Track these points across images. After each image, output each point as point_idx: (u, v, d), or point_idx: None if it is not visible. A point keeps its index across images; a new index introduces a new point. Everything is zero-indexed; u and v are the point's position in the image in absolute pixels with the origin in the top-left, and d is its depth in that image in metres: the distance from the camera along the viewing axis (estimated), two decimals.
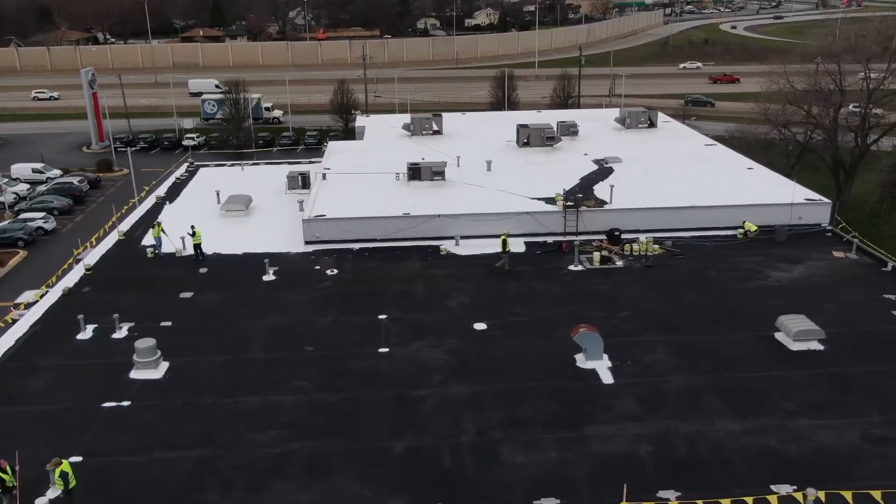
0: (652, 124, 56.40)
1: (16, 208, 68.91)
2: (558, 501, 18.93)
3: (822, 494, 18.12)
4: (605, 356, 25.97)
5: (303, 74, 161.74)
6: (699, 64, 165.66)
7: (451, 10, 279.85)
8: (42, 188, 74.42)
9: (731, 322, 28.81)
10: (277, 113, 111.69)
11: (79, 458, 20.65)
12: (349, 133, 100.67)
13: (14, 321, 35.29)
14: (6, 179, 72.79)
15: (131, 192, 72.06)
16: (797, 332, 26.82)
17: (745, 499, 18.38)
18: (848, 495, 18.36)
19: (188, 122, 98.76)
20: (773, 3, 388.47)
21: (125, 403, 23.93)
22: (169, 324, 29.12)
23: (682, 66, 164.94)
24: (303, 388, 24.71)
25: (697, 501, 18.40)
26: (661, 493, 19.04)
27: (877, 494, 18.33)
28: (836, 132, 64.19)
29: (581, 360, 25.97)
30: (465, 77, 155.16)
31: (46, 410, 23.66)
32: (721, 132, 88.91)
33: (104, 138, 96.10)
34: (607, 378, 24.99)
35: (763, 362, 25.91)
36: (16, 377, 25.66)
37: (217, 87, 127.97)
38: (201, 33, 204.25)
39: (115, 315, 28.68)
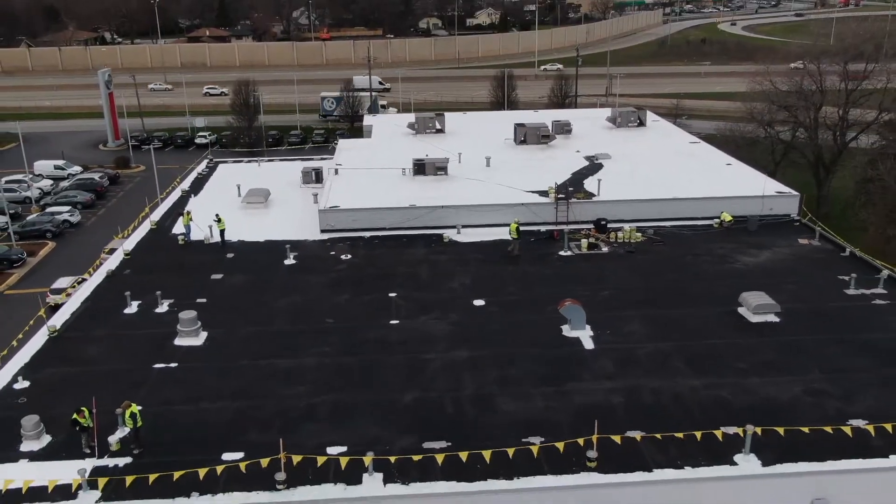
0: (641, 123, 60.18)
1: (41, 203, 72.87)
2: (542, 439, 22.71)
3: (759, 430, 21.91)
4: (588, 327, 29.77)
5: (308, 74, 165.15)
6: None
7: (453, 9, 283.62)
8: (65, 184, 78.38)
9: (701, 299, 32.59)
10: (392, 111, 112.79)
11: (139, 408, 24.42)
12: (355, 132, 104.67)
13: (56, 305, 39.17)
14: (30, 176, 76.70)
15: (149, 187, 76.01)
16: (756, 307, 30.64)
17: (695, 433, 22.21)
18: (780, 430, 22.17)
19: (199, 121, 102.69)
20: (772, 3, 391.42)
21: (173, 365, 27.77)
22: (204, 300, 32.94)
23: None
24: (325, 353, 28.52)
25: (657, 435, 22.21)
26: (629, 434, 22.82)
27: (805, 429, 22.15)
28: (817, 131, 68.03)
29: (566, 330, 29.76)
30: (466, 77, 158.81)
31: (106, 370, 27.52)
32: (711, 130, 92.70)
33: (120, 136, 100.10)
34: (588, 344, 28.79)
35: (725, 332, 29.71)
36: (76, 344, 29.53)
37: (380, 83, 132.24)
38: (207, 33, 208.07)
39: (158, 292, 32.55)
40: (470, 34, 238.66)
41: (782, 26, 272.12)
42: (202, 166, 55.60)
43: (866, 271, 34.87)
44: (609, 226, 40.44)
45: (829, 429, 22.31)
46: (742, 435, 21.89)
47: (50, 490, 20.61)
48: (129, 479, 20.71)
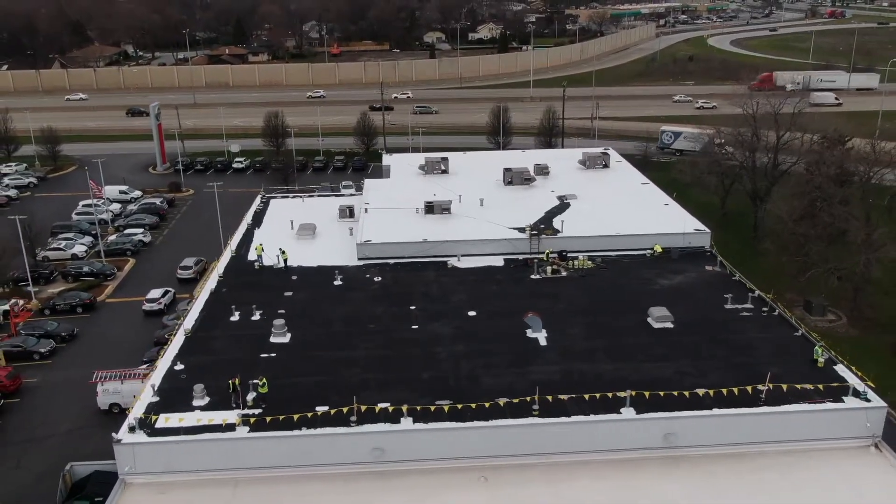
0: (606, 165, 75.08)
1: (116, 224, 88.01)
2: (507, 399, 37.60)
3: (633, 393, 36.89)
4: (543, 331, 44.69)
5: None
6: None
7: (456, 21, 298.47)
8: (132, 207, 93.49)
9: (624, 311, 47.43)
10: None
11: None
12: (370, 155, 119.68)
13: (152, 312, 53.61)
14: (102, 200, 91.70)
15: (201, 210, 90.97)
16: (657, 317, 45.53)
17: (597, 394, 37.20)
18: (646, 394, 37.11)
19: (235, 147, 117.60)
20: (764, 13, 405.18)
21: (273, 354, 42.77)
22: (283, 311, 47.91)
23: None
24: (371, 347, 43.44)
25: (573, 395, 37.22)
26: (559, 395, 37.76)
27: (660, 393, 37.12)
28: (754, 168, 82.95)
29: (530, 333, 44.65)
30: (468, 98, 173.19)
31: (229, 358, 42.45)
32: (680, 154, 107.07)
33: (166, 160, 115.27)
34: (543, 343, 43.65)
35: (635, 334, 44.51)
36: (204, 341, 44.53)
37: (836, 98, 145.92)
38: (227, 51, 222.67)
39: (253, 305, 47.61)
40: (472, 48, 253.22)
41: (770, 41, 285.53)
42: (257, 201, 70.58)
43: (744, 291, 49.74)
44: (568, 255, 55.33)
45: (676, 392, 37.33)
46: (624, 395, 36.90)
47: (223, 425, 35.73)
48: (268, 419, 35.77)
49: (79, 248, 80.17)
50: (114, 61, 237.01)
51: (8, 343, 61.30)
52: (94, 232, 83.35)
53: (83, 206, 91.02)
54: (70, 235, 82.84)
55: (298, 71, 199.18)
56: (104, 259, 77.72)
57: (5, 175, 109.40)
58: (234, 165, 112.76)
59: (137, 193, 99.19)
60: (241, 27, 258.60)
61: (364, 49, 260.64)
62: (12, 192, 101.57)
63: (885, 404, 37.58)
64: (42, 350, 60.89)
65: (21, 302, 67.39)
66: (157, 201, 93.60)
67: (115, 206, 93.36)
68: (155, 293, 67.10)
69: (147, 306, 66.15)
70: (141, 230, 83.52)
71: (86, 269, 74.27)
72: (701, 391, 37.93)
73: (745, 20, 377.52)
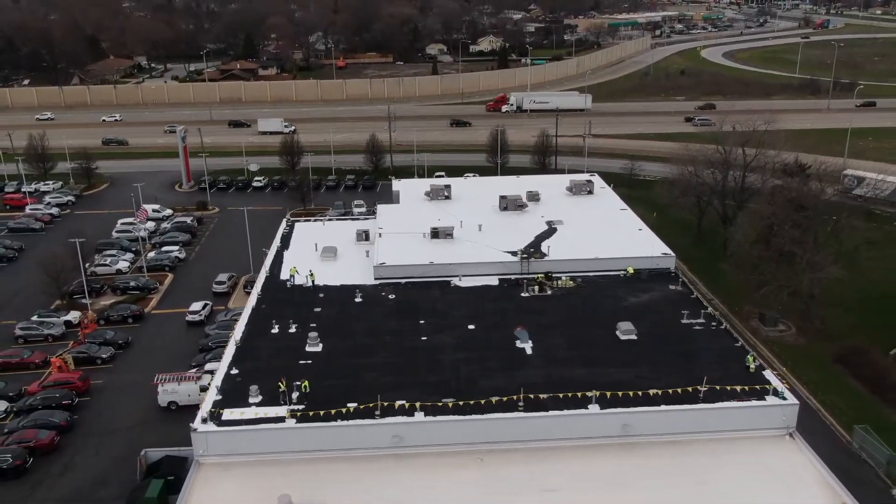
0: (590, 192, 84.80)
1: (153, 241, 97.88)
2: (498, 397, 47.36)
3: (597, 393, 46.69)
4: (530, 341, 54.46)
5: (330, 110, 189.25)
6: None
7: (457, 31, 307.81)
8: (165, 225, 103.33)
9: (597, 325, 57.15)
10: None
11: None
12: (380, 173, 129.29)
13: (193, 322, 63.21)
14: (138, 219, 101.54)
15: (228, 228, 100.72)
16: (623, 330, 55.27)
17: (570, 394, 47.00)
18: (608, 394, 46.91)
19: (254, 166, 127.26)
20: (759, 23, 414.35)
21: (309, 361, 52.56)
22: (314, 325, 57.68)
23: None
24: (388, 355, 53.20)
25: (550, 394, 47.01)
26: (540, 395, 47.53)
27: (619, 393, 46.91)
28: (723, 192, 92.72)
29: (518, 343, 54.39)
30: (468, 114, 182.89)
31: (273, 364, 52.15)
32: (664, 173, 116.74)
33: (191, 179, 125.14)
34: (529, 351, 53.43)
35: (604, 345, 54.20)
36: (252, 350, 54.28)
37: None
38: (238, 66, 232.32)
39: (290, 319, 57.42)
40: (472, 60, 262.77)
41: (762, 52, 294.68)
42: (283, 225, 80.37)
43: (699, 308, 59.48)
44: (553, 275, 64.99)
45: (632, 393, 47.14)
46: (590, 395, 46.72)
47: (275, 417, 45.58)
48: (310, 413, 45.62)
49: (122, 264, 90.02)
50: (129, 74, 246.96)
51: (75, 350, 71.37)
52: (134, 249, 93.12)
53: (122, 224, 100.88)
54: (113, 252, 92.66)
55: (307, 87, 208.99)
56: (146, 274, 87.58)
57: (46, 193, 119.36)
58: (254, 184, 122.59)
59: (168, 212, 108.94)
60: (251, 41, 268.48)
61: (369, 61, 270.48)
62: (54, 210, 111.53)
63: (797, 402, 47.49)
64: (104, 356, 70.90)
65: (81, 314, 77.35)
66: (188, 220, 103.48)
67: (150, 224, 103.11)
68: (196, 306, 77.00)
69: (190, 317, 76.07)
70: (176, 247, 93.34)
71: (132, 283, 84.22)
72: (652, 391, 47.72)
73: (739, 30, 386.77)
